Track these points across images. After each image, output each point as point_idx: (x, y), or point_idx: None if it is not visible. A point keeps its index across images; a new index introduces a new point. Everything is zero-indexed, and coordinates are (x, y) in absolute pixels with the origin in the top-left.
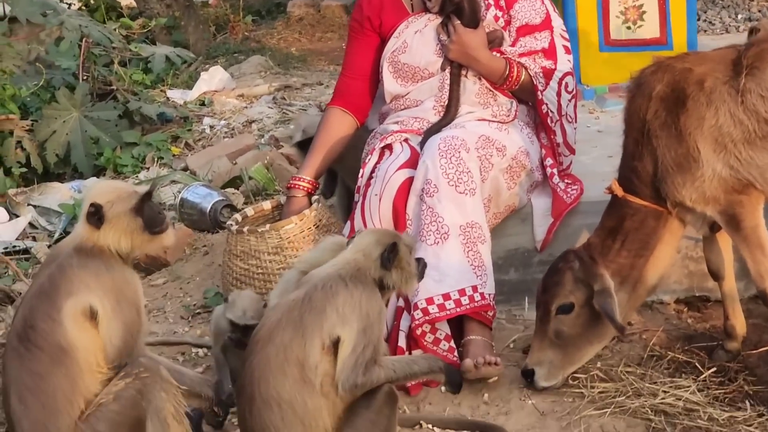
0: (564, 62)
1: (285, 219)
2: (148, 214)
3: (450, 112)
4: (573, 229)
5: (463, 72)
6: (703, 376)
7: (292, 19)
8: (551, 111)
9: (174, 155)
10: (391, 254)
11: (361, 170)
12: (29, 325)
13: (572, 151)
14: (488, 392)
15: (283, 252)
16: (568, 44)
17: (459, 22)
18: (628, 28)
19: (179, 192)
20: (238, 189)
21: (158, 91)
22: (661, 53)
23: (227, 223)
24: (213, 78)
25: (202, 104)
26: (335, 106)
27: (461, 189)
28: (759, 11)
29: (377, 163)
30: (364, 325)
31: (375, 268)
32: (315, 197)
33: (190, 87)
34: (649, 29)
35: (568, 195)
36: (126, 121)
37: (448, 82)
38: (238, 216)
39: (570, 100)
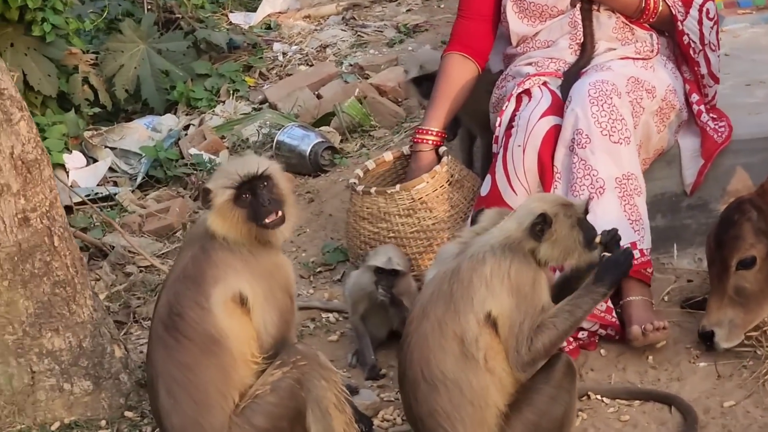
0: None
1: (415, 176)
2: None
3: (587, 51)
4: (724, 170)
5: (595, 7)
6: None
7: None
8: (693, 41)
9: (249, 86)
10: (539, 225)
11: (498, 118)
12: (176, 313)
13: (717, 81)
14: (653, 355)
15: (416, 214)
16: None
17: None
18: None
19: (261, 129)
20: (329, 125)
21: (219, 15)
22: None
23: (351, 181)
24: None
25: (268, 28)
26: (455, 52)
27: (615, 138)
28: None
29: (515, 110)
30: (516, 300)
31: (526, 239)
32: (443, 149)
33: (251, 9)
34: None
35: (719, 134)
36: (194, 50)
37: (579, 18)
38: (359, 171)
39: (712, 27)
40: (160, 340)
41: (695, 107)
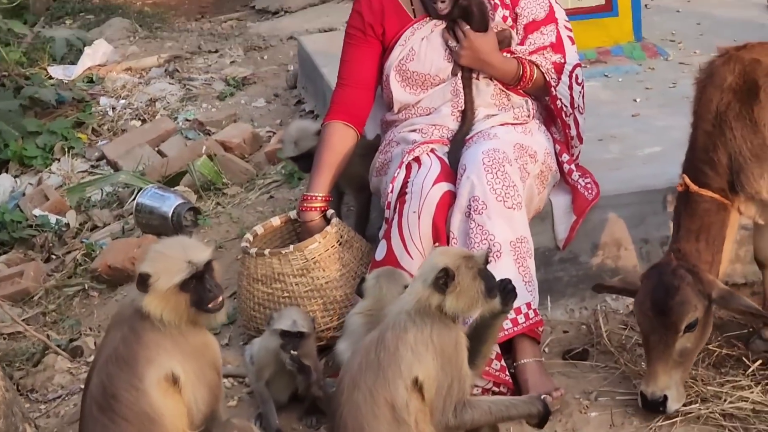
0: (572, 54)
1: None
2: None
3: (467, 118)
4: (592, 225)
5: (474, 75)
6: (751, 369)
7: None
8: (565, 105)
9: (85, 143)
10: (442, 279)
11: (390, 184)
12: (110, 394)
13: (581, 141)
14: None
15: (309, 273)
16: (572, 34)
17: (468, 27)
18: None
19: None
20: (179, 184)
21: (38, 69)
22: (607, 20)
23: (242, 245)
24: (97, 52)
25: (90, 81)
26: (336, 121)
27: (509, 204)
28: None
29: (406, 177)
30: (441, 362)
31: (432, 295)
32: (330, 212)
33: (71, 62)
34: None
35: (589, 191)
36: (19, 107)
37: (460, 86)
38: (249, 236)
39: (580, 92)
40: (96, 421)
41: (566, 166)
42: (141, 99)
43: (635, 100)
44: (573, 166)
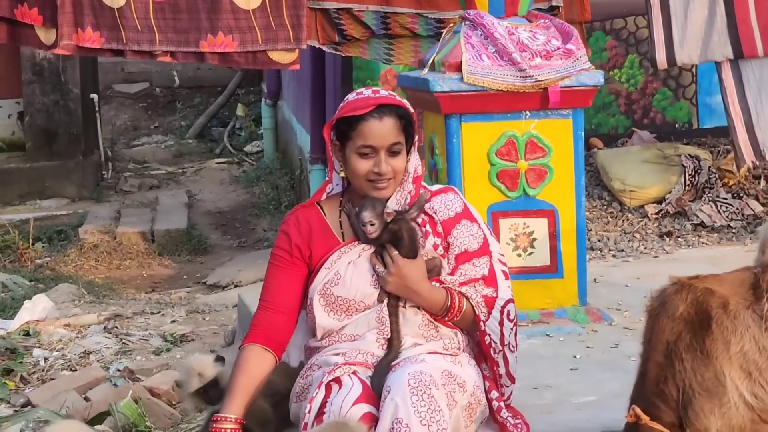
0: (504, 289)
1: None
2: None
3: (393, 346)
4: None
5: (401, 303)
6: None
7: (86, 246)
8: (494, 341)
9: (11, 390)
10: None
11: (307, 405)
12: None
13: (513, 381)
14: None
15: None
16: (507, 269)
17: (397, 252)
18: (519, 255)
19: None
20: (102, 424)
21: None
22: (551, 282)
23: None
24: (36, 307)
25: (27, 334)
26: (255, 344)
27: (434, 428)
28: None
29: (326, 397)
30: None
31: None
32: None
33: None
34: (540, 257)
35: (519, 429)
36: None
37: (386, 314)
38: None
39: (512, 329)
40: None
41: (495, 403)
42: (75, 351)
43: (575, 356)
44: (502, 404)
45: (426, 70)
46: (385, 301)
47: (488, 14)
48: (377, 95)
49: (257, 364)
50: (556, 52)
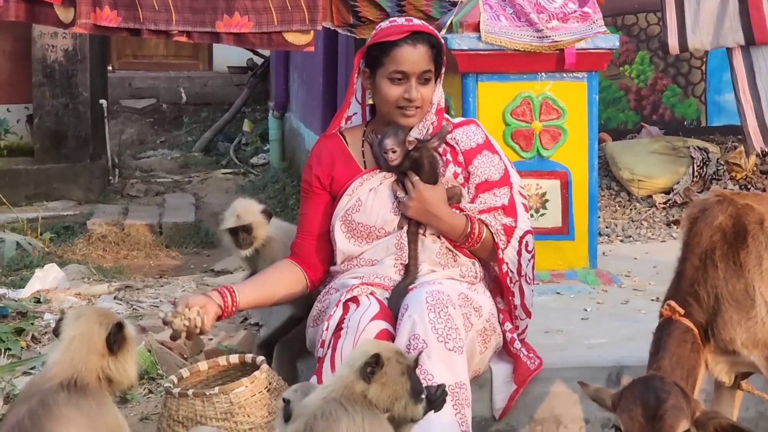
0: (524, 220)
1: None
2: None
3: (411, 272)
4: (532, 398)
5: (421, 230)
6: None
7: (94, 237)
8: (511, 271)
9: (22, 347)
10: (371, 366)
11: (325, 323)
12: None
13: (528, 315)
14: None
15: (233, 418)
16: (527, 202)
17: (417, 178)
18: (531, 216)
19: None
20: None
21: None
22: (563, 243)
23: (165, 385)
24: (48, 276)
25: (37, 301)
26: (285, 260)
27: (450, 346)
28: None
29: (344, 315)
30: None
31: (357, 381)
32: (260, 358)
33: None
34: (552, 218)
35: (531, 360)
36: None
37: (405, 240)
38: (173, 377)
39: (530, 261)
40: None
41: (508, 335)
42: None
43: (585, 310)
44: (516, 335)
45: (444, 31)
46: (405, 228)
47: None
48: (410, 23)
49: (280, 270)
50: (572, 15)
